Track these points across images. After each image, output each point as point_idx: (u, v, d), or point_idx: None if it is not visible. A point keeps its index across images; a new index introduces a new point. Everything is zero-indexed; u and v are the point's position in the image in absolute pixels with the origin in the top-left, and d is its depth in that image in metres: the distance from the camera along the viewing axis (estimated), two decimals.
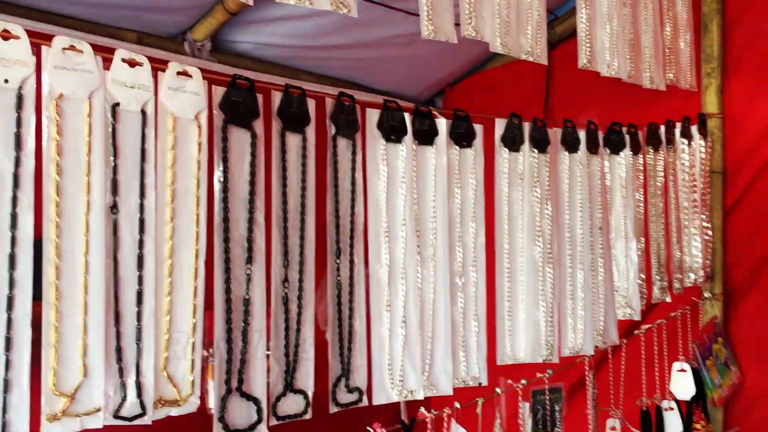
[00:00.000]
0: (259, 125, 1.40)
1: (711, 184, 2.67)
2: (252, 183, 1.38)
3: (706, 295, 2.68)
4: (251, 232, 1.37)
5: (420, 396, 1.64)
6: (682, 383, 2.43)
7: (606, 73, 2.14)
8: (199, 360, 1.30)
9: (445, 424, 1.71)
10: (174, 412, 1.26)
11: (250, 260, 1.37)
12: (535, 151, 1.95)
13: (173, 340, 1.27)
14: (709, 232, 2.63)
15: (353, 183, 1.58)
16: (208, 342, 1.37)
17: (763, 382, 2.68)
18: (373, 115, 1.64)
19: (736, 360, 2.71)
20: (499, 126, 1.91)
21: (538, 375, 1.95)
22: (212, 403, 1.56)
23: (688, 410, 2.47)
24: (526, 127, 1.94)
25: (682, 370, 2.45)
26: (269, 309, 1.42)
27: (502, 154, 1.91)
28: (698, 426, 2.46)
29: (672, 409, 2.39)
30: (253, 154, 1.39)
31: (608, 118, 2.26)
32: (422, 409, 1.68)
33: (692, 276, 2.54)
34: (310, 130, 1.49)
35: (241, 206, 1.37)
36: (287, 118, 1.45)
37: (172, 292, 1.27)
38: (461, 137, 1.79)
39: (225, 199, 1.34)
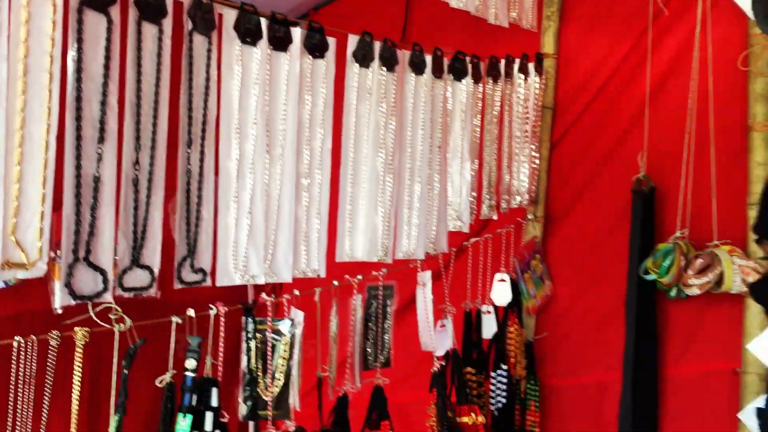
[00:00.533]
0: (115, 12, 1.45)
1: (542, 117, 2.97)
2: (106, 67, 1.43)
3: (530, 216, 3.02)
4: (104, 114, 1.43)
5: (261, 281, 1.79)
6: (500, 291, 2.76)
7: (455, 5, 2.32)
8: (48, 229, 1.37)
9: (286, 308, 1.88)
10: (21, 274, 1.33)
11: (101, 140, 1.43)
12: (384, 69, 2.11)
13: (22, 208, 1.32)
14: (537, 161, 2.94)
15: (207, 79, 1.66)
16: (54, 243, 1.43)
17: (570, 296, 3.09)
18: (230, 17, 1.72)
19: (550, 275, 3.08)
20: (352, 42, 2.05)
21: (374, 273, 2.16)
22: (58, 303, 1.62)
23: (505, 315, 2.80)
24: (377, 46, 2.10)
25: (502, 281, 2.77)
26: (119, 191, 1.49)
27: (353, 69, 2.06)
28: (512, 329, 2.81)
29: (489, 312, 2.71)
30: (109, 39, 1.43)
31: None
32: (263, 294, 1.84)
33: (518, 198, 2.85)
34: (167, 23, 1.56)
35: (94, 88, 1.42)
36: (144, 7, 1.51)
37: (22, 162, 1.31)
38: (315, 48, 1.92)
39: (79, 80, 1.39)
